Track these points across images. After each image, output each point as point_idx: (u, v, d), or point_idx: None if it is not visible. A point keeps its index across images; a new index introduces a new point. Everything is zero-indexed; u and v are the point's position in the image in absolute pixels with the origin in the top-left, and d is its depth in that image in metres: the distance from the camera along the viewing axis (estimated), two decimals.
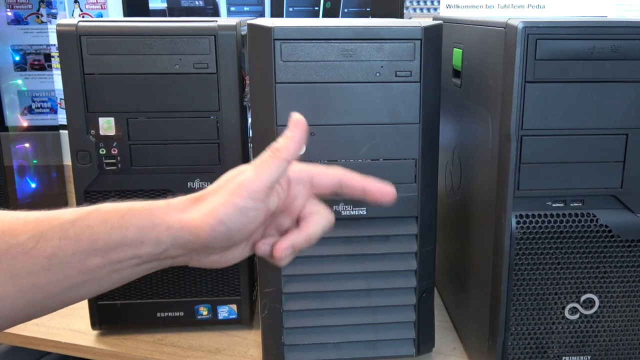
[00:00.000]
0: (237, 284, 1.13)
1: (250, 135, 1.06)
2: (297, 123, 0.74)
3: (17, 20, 1.78)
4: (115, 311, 1.13)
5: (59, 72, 1.04)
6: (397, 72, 0.92)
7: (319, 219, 0.78)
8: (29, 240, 0.66)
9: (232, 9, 1.69)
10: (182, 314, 1.14)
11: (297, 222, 0.78)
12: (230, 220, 0.69)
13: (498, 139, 0.88)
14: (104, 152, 1.05)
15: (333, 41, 0.90)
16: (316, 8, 1.64)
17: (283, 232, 0.77)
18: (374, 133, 0.94)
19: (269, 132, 0.93)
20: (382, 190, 0.76)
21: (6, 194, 1.65)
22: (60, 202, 1.88)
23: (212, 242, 0.70)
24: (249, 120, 1.07)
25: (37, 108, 1.83)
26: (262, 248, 0.76)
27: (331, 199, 0.95)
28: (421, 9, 1.74)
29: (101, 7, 1.81)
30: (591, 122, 0.85)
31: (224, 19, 1.10)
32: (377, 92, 0.92)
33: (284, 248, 0.75)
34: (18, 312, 0.68)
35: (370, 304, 1.02)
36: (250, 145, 1.09)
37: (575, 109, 0.84)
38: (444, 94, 0.98)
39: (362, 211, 0.97)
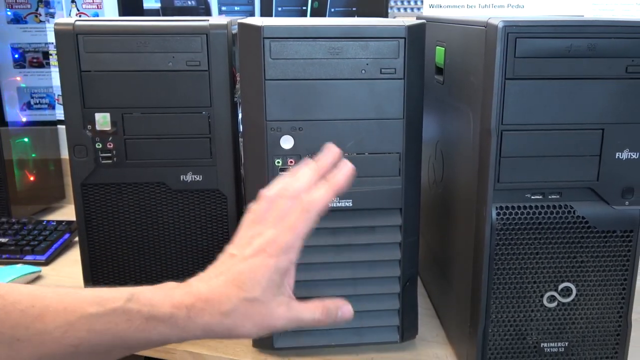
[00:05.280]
0: None
1: (241, 130, 1.05)
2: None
3: (17, 20, 1.77)
4: None
5: (57, 69, 1.03)
6: (382, 70, 0.91)
7: None
8: (57, 328, 0.66)
9: (223, 8, 1.68)
10: None
11: None
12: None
13: (479, 133, 0.88)
14: (100, 146, 1.05)
15: (320, 40, 0.90)
16: (304, 8, 1.64)
17: None
18: (359, 128, 0.93)
19: (259, 127, 0.92)
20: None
21: (6, 187, 1.65)
22: (58, 194, 1.88)
23: None
24: (240, 115, 1.06)
25: (36, 104, 1.82)
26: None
27: None
28: (405, 9, 1.74)
29: (97, 6, 1.80)
30: (568, 118, 0.84)
31: (215, 18, 1.09)
32: (362, 88, 0.92)
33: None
34: None
35: (356, 292, 1.01)
36: (240, 139, 1.08)
37: (553, 105, 0.84)
38: (427, 91, 0.97)
39: (348, 203, 0.96)
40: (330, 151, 0.80)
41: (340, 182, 0.77)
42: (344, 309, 0.78)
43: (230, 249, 0.75)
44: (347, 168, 0.78)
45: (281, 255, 0.72)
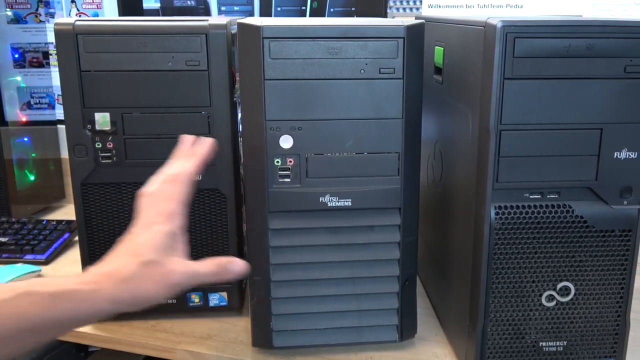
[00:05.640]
0: None
1: (240, 129, 1.05)
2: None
3: (17, 20, 1.77)
4: None
5: (57, 69, 1.03)
6: (381, 69, 0.91)
7: None
8: None
9: (223, 8, 1.68)
10: (174, 301, 1.13)
11: None
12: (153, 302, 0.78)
13: (478, 133, 0.88)
14: (100, 146, 1.04)
15: (319, 40, 0.90)
16: (303, 8, 1.64)
17: None
18: (358, 128, 0.93)
19: (258, 127, 0.92)
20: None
21: (6, 186, 1.65)
22: (58, 194, 1.88)
23: None
24: (239, 115, 1.06)
25: (36, 104, 1.82)
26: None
27: (317, 191, 0.95)
28: (404, 9, 1.74)
29: (97, 6, 1.80)
30: (567, 117, 0.84)
31: (214, 18, 1.09)
32: (361, 88, 0.92)
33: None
34: None
35: (355, 291, 1.01)
36: (240, 139, 1.08)
37: (551, 105, 0.84)
38: (426, 90, 0.97)
39: (348, 202, 0.96)
40: (183, 141, 0.90)
41: (200, 152, 0.88)
42: (236, 262, 0.84)
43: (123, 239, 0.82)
44: (206, 141, 0.90)
45: (169, 222, 0.80)
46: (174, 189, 0.83)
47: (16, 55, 1.78)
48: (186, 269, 0.79)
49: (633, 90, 0.84)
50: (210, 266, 0.82)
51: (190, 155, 0.88)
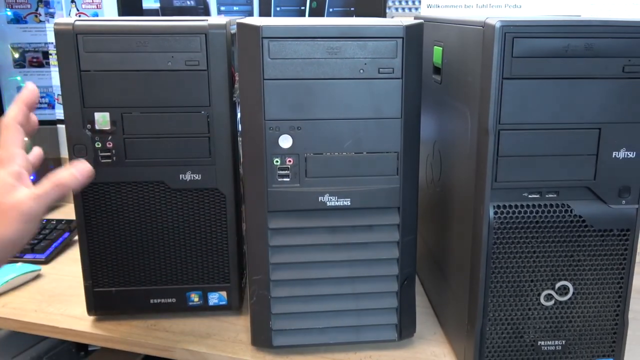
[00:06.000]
0: (227, 271, 1.13)
1: (240, 129, 1.05)
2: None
3: (17, 20, 1.77)
4: (110, 298, 1.12)
5: (57, 69, 1.03)
6: (380, 69, 0.91)
7: None
8: None
9: (222, 8, 1.68)
10: (174, 300, 1.13)
11: None
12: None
13: (476, 133, 0.88)
14: (100, 145, 1.04)
15: (319, 39, 0.90)
16: (302, 8, 1.64)
17: None
18: (357, 127, 0.93)
19: (258, 127, 0.92)
20: None
21: None
22: None
23: None
24: (238, 115, 1.06)
25: None
26: None
27: (316, 191, 0.95)
28: (403, 9, 1.74)
29: (97, 6, 1.80)
30: (566, 117, 0.84)
31: (214, 18, 1.09)
32: (360, 88, 0.92)
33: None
34: None
35: (354, 290, 1.01)
36: (239, 139, 1.08)
37: (550, 104, 0.84)
38: (424, 90, 0.97)
39: (347, 202, 0.96)
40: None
41: (22, 96, 0.91)
42: (78, 165, 0.90)
43: None
44: (29, 85, 0.94)
45: (3, 165, 0.85)
46: (6, 135, 0.88)
47: (16, 55, 1.78)
48: (31, 194, 0.84)
49: (631, 90, 0.84)
50: (51, 180, 0.87)
51: (17, 102, 0.92)
